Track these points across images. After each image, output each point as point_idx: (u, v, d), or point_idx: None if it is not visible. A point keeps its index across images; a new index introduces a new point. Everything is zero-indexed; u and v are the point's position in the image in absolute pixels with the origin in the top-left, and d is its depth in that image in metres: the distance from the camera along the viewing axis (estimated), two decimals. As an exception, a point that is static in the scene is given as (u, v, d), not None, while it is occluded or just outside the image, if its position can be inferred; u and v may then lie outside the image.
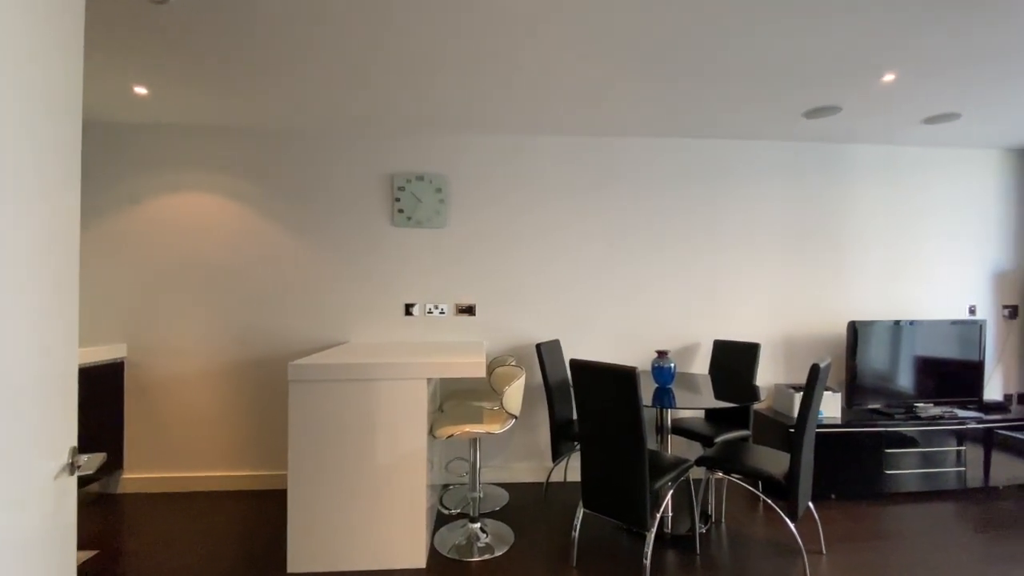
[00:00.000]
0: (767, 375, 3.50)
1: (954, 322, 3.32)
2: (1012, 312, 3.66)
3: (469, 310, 3.36)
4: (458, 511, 2.76)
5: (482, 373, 2.27)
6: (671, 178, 3.47)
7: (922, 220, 3.61)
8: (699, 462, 2.49)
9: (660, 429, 2.77)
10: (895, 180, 3.60)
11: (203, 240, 3.23)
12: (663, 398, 2.50)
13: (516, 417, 2.40)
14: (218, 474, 3.20)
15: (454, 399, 2.98)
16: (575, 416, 3.24)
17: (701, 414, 3.23)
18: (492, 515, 2.81)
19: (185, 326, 3.21)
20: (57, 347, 0.89)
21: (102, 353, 2.99)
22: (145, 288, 3.19)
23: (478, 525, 2.56)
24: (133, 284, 3.19)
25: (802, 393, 3.05)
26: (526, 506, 2.94)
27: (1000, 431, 3.05)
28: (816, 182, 3.56)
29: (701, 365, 3.45)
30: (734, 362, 3.21)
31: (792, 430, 2.94)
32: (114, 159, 3.18)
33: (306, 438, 2.24)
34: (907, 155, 3.61)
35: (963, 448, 3.04)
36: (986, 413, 3.16)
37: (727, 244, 3.49)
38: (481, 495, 2.55)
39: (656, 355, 2.77)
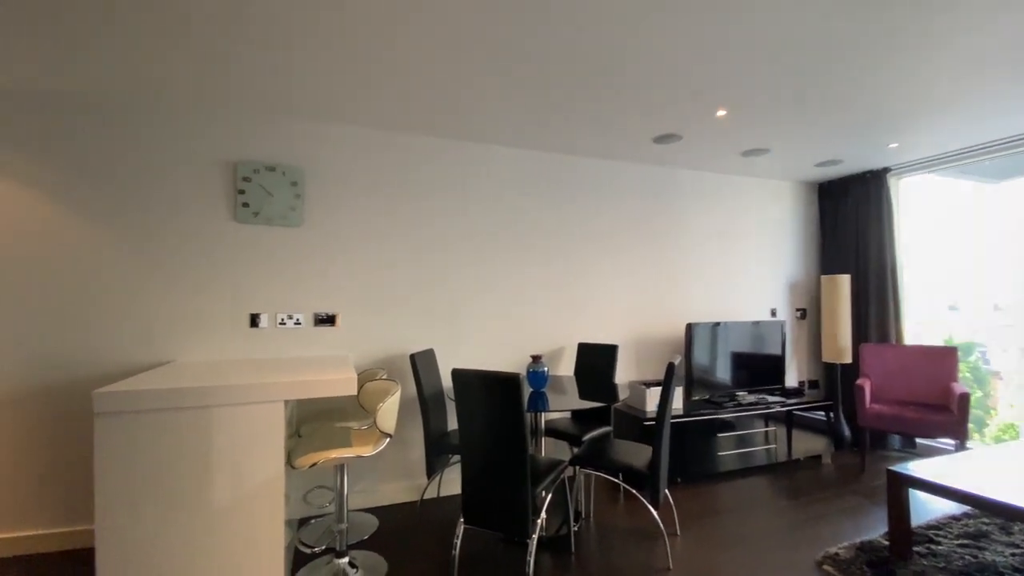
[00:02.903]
0: (623, 374, 3.79)
1: (761, 323, 3.98)
2: (802, 314, 4.55)
3: (330, 320, 3.04)
4: (322, 548, 2.44)
5: (354, 391, 2.04)
6: (542, 190, 3.58)
7: (737, 238, 4.28)
8: (572, 462, 2.56)
9: (534, 432, 2.80)
10: (718, 203, 4.21)
11: (-51, 231, 2.39)
12: (537, 402, 2.52)
13: (391, 436, 2.20)
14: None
15: (313, 421, 2.64)
16: (451, 427, 3.14)
17: (568, 414, 3.36)
18: (361, 545, 2.55)
19: (-85, 348, 2.33)
20: None
21: None
22: None
23: (346, 560, 2.28)
24: None
25: (653, 389, 3.38)
26: (399, 530, 2.73)
27: (796, 412, 3.73)
28: (662, 201, 3.99)
29: (567, 367, 3.60)
30: (596, 363, 3.41)
31: (647, 423, 3.21)
32: None
33: (120, 483, 1.76)
34: (728, 182, 4.26)
35: (771, 428, 3.65)
36: (787, 398, 3.84)
37: (591, 253, 3.72)
38: (347, 526, 2.28)
39: (531, 360, 2.80)
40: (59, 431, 2.53)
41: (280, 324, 2.93)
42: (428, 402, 2.79)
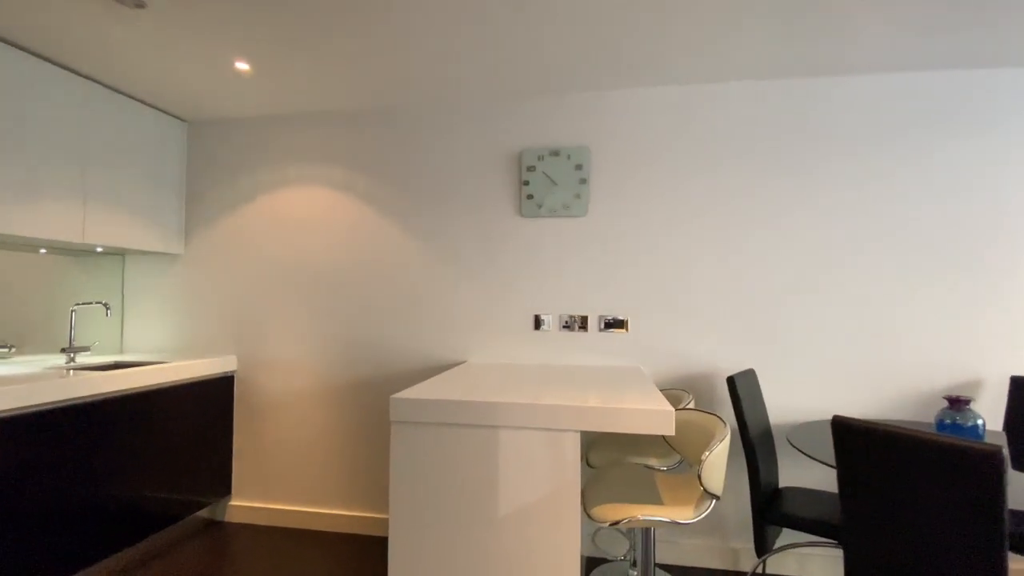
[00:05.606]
0: (1119, 439, 2.14)
1: None
2: None
3: (618, 324, 2.54)
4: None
5: (671, 431, 1.44)
6: (932, 132, 2.31)
7: None
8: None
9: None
10: None
11: (309, 239, 2.82)
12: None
13: (718, 498, 1.52)
14: (322, 511, 2.75)
15: (602, 447, 2.17)
16: (783, 483, 2.26)
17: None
18: (665, 624, 1.95)
19: (292, 338, 2.82)
20: None
21: (214, 366, 2.71)
22: (253, 295, 2.88)
23: (652, 649, 1.71)
24: (241, 290, 2.89)
25: None
26: (715, 616, 2.02)
27: None
28: None
29: (986, 415, 2.23)
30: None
31: None
32: (218, 159, 2.93)
33: (409, 483, 1.61)
34: None
35: None
36: None
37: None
38: (652, 599, 1.71)
39: (947, 405, 1.70)
40: (372, 421, 2.73)
41: (564, 327, 2.59)
42: (755, 443, 2.00)
